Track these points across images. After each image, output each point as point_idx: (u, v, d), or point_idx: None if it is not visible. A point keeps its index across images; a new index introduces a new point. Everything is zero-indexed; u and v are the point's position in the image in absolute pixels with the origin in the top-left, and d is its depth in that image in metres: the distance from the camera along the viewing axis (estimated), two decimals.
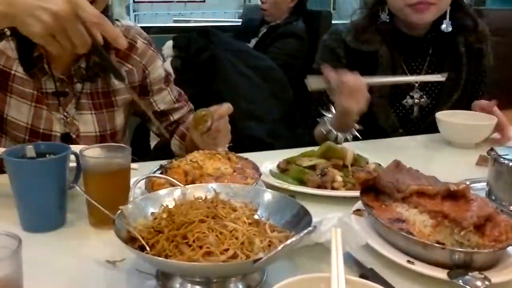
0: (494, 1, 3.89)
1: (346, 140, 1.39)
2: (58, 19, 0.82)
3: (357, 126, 1.39)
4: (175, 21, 4.35)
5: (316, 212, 0.75)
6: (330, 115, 1.44)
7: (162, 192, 0.83)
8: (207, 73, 1.89)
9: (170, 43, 2.11)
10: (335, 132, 1.40)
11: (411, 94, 1.54)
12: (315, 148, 1.19)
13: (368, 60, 1.49)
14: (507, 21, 2.99)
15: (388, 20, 1.51)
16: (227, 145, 1.71)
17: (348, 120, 1.38)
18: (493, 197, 1.03)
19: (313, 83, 1.37)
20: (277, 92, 1.96)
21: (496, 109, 1.40)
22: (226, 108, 1.17)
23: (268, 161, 1.20)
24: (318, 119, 1.47)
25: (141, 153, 1.49)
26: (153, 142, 1.75)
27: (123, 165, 0.88)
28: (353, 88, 1.32)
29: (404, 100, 1.54)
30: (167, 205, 0.77)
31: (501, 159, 1.01)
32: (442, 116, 1.42)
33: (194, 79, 1.90)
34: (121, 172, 0.88)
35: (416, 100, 1.54)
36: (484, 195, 1.03)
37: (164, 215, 0.73)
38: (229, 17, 4.52)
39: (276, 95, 1.95)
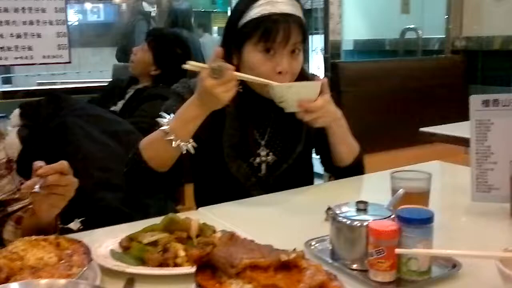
0: (347, 55, 4.16)
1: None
2: None
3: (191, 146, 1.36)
4: (39, 84, 4.14)
5: None
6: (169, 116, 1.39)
7: None
8: (57, 143, 1.77)
9: (17, 111, 1.97)
10: (173, 138, 1.34)
11: (258, 152, 1.53)
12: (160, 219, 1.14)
13: (216, 111, 1.45)
14: (359, 72, 3.17)
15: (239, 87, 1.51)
16: (79, 220, 1.59)
17: (197, 108, 1.34)
18: (336, 256, 1.02)
19: (192, 63, 1.34)
20: None
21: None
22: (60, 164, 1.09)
23: (115, 237, 1.11)
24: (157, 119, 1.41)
25: None
26: None
27: None
28: None
29: (251, 159, 1.53)
30: None
31: (339, 218, 1.01)
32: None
33: (42, 150, 1.77)
34: None
35: (263, 158, 1.54)
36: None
37: None
38: (96, 77, 4.39)
39: None
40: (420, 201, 1.12)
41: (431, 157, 2.87)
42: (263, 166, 1.54)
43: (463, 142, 2.44)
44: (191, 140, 1.36)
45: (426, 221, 0.93)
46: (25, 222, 1.21)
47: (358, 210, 1.02)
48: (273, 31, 1.40)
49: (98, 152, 1.79)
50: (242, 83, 1.47)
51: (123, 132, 1.94)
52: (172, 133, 1.34)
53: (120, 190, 1.73)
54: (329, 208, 1.04)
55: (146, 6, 5.50)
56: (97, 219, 1.58)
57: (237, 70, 1.38)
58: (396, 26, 3.94)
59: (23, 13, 3.14)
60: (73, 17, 6.05)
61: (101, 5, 6.40)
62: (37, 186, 1.03)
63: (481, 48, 3.47)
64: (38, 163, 1.06)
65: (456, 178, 1.64)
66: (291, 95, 1.38)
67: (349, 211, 1.03)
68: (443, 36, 3.66)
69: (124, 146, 1.91)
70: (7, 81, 5.63)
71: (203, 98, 1.32)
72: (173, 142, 1.33)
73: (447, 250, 0.90)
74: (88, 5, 6.30)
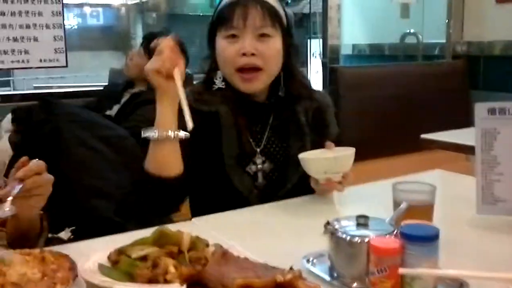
0: (346, 60, 4.13)
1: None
2: None
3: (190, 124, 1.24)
4: (36, 87, 4.09)
5: None
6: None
7: None
8: (49, 149, 1.72)
9: (9, 116, 1.93)
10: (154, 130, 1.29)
11: (253, 159, 1.49)
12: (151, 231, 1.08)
13: (211, 120, 1.44)
14: (358, 77, 3.13)
15: (224, 86, 1.47)
16: (69, 229, 1.55)
17: (159, 100, 1.29)
18: (335, 274, 0.97)
19: None
20: (128, 162, 1.83)
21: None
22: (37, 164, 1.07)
23: (105, 249, 1.07)
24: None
25: None
26: None
27: None
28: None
29: (248, 167, 1.48)
30: None
31: (339, 233, 0.96)
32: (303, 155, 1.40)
33: (35, 156, 1.71)
34: None
35: (259, 166, 1.49)
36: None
37: None
38: (93, 81, 4.35)
39: (127, 166, 1.82)
40: (424, 215, 1.07)
41: (432, 164, 2.82)
42: (260, 175, 1.49)
43: (465, 149, 2.40)
44: (177, 131, 1.31)
45: (431, 238, 0.88)
46: (8, 224, 1.18)
47: (359, 224, 0.97)
48: (230, 14, 1.42)
49: (91, 159, 1.74)
50: (226, 83, 1.46)
51: (117, 138, 1.89)
52: (156, 131, 1.29)
53: (113, 198, 1.68)
54: (327, 223, 0.99)
55: None
56: (88, 228, 1.54)
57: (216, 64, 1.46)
58: (396, 31, 3.91)
59: (20, 16, 3.09)
60: (72, 20, 6.02)
61: (100, 9, 6.38)
62: (15, 191, 1.02)
63: (483, 53, 3.44)
64: (18, 163, 1.04)
65: (459, 188, 1.59)
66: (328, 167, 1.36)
67: (348, 226, 0.98)
68: (444, 41, 3.62)
69: (119, 152, 1.86)
70: (6, 83, 5.59)
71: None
72: (158, 134, 1.29)
73: (454, 271, 0.85)
74: (87, 9, 6.27)
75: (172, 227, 1.18)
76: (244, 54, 1.40)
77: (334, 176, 1.37)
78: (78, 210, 1.57)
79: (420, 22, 3.83)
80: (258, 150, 1.50)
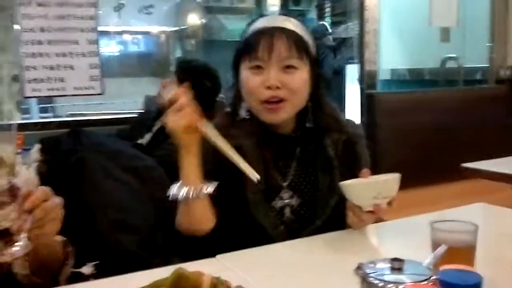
0: (384, 85, 4.03)
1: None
2: None
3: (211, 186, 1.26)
4: (70, 115, 4.13)
5: None
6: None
7: None
8: (74, 180, 1.69)
9: (37, 146, 1.91)
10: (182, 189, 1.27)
11: (280, 195, 1.42)
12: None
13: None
14: (396, 103, 3.04)
15: (248, 117, 1.43)
16: (92, 264, 1.51)
17: (184, 156, 1.26)
18: None
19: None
20: (155, 194, 1.78)
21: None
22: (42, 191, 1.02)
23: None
24: None
25: None
26: None
27: None
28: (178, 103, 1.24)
29: (274, 202, 1.42)
30: None
31: (371, 278, 0.88)
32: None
33: (61, 187, 1.68)
34: None
35: (286, 201, 1.42)
36: None
37: None
38: (131, 108, 4.36)
39: (154, 198, 1.77)
40: (465, 257, 0.97)
41: (473, 194, 2.69)
42: (287, 210, 1.42)
43: (509, 179, 2.28)
44: (205, 186, 1.28)
45: (472, 287, 0.79)
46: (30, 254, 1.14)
47: (393, 269, 0.88)
48: (255, 44, 1.36)
49: (116, 190, 1.69)
50: (251, 114, 1.42)
51: (144, 168, 1.85)
52: (184, 190, 1.28)
53: (138, 232, 1.63)
54: (358, 267, 0.90)
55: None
56: (112, 263, 1.49)
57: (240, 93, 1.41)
58: (436, 55, 3.79)
59: (56, 45, 3.14)
60: (112, 47, 6.13)
61: (140, 36, 6.48)
62: (28, 225, 0.98)
63: None
64: (24, 194, 1.00)
65: (505, 224, 1.48)
66: (369, 193, 1.28)
67: (382, 270, 0.90)
68: (487, 65, 3.49)
69: (145, 183, 1.82)
70: (45, 110, 5.70)
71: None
72: (184, 193, 1.27)
73: None
74: (127, 36, 6.38)
75: (194, 265, 1.12)
76: (268, 87, 1.36)
77: (382, 201, 1.28)
78: (101, 243, 1.52)
79: (461, 46, 3.71)
80: (285, 184, 1.44)
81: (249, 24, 1.44)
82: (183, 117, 1.22)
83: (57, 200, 1.06)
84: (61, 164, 1.75)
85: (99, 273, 1.45)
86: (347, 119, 1.56)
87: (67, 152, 1.77)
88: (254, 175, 1.23)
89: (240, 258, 1.26)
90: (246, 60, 1.39)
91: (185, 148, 1.26)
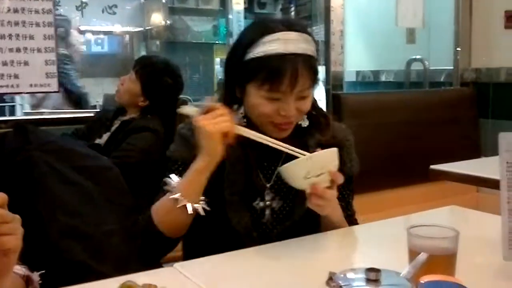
0: (349, 86, 4.00)
1: None
2: None
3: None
4: (26, 114, 3.95)
5: None
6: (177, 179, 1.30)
7: None
8: (22, 180, 1.55)
9: None
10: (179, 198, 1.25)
11: (262, 196, 1.38)
12: None
13: None
14: (362, 104, 2.99)
15: (245, 123, 1.36)
16: (38, 273, 1.38)
17: (200, 163, 1.25)
18: None
19: (186, 108, 1.33)
20: (112, 197, 1.66)
21: None
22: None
23: None
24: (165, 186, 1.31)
25: None
26: None
27: None
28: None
29: (255, 202, 1.37)
30: None
31: None
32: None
33: (6, 189, 1.55)
34: None
35: (267, 203, 1.37)
36: None
37: None
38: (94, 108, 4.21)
39: (111, 200, 1.65)
40: (446, 266, 0.90)
41: (440, 196, 2.66)
42: (267, 211, 1.37)
43: (475, 180, 2.25)
44: (200, 202, 1.27)
45: None
46: None
47: (368, 280, 0.80)
48: (279, 75, 1.25)
49: (67, 193, 1.55)
50: (247, 119, 1.37)
51: (98, 168, 1.71)
52: (178, 192, 1.26)
53: (90, 239, 1.50)
54: (330, 278, 0.81)
55: None
56: (60, 273, 1.36)
57: (241, 102, 1.36)
58: (402, 57, 3.77)
59: (10, 40, 2.98)
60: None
61: (103, 36, 6.34)
62: None
63: (492, 80, 3.30)
64: None
65: (478, 228, 1.42)
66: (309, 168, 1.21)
67: (356, 281, 0.81)
68: (452, 67, 3.49)
69: (99, 184, 1.69)
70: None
71: (200, 142, 1.24)
72: (179, 201, 1.25)
73: None
74: (90, 36, 6.23)
75: (149, 276, 1.02)
76: (284, 115, 1.30)
77: (318, 180, 1.20)
78: (49, 251, 1.39)
79: (427, 48, 3.69)
80: (268, 185, 1.38)
81: (257, 33, 1.30)
82: (223, 121, 1.22)
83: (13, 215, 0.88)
84: (6, 163, 1.61)
85: (45, 283, 1.33)
86: (338, 124, 1.50)
87: (13, 150, 1.62)
88: (304, 155, 1.22)
89: (201, 266, 1.16)
90: (262, 85, 1.28)
91: (208, 155, 1.24)
